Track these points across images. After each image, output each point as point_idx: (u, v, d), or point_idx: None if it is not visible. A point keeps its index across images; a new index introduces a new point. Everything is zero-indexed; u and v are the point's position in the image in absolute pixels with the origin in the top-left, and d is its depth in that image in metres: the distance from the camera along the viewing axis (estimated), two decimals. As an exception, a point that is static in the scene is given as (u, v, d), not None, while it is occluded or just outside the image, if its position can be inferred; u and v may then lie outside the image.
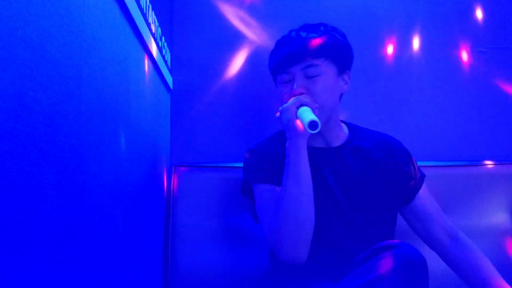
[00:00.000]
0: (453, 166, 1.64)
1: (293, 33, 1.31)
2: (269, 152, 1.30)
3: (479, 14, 1.78)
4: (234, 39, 1.70)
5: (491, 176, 1.63)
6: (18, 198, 0.50)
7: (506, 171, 1.64)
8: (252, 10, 1.71)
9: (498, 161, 1.69)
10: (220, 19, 1.70)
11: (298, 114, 1.16)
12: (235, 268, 1.50)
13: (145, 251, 1.22)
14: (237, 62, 1.70)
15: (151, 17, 1.22)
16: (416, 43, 1.75)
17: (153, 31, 1.24)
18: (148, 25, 1.16)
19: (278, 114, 1.22)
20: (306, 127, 1.10)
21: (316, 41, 1.27)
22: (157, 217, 1.43)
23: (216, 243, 1.52)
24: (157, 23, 1.31)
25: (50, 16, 0.59)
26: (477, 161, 1.70)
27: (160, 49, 1.36)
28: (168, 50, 1.56)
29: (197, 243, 1.51)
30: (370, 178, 1.29)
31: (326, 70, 1.26)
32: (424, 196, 1.33)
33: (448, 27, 1.77)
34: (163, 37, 1.43)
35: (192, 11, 1.70)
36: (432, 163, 1.62)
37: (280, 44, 1.32)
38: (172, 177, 1.56)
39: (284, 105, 1.20)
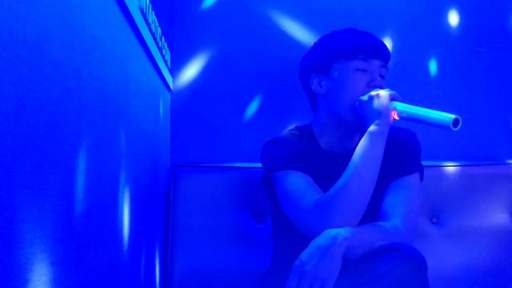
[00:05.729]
0: (453, 166, 1.64)
1: (364, 31, 1.30)
2: (290, 144, 1.28)
3: (479, 14, 1.78)
4: (234, 39, 1.70)
5: (491, 176, 1.62)
6: (18, 198, 0.50)
7: (506, 171, 1.64)
8: (252, 10, 1.71)
9: (498, 161, 1.69)
10: (220, 19, 1.70)
11: (402, 107, 1.19)
12: (235, 268, 1.50)
13: (145, 251, 1.22)
14: (237, 62, 1.70)
15: (151, 17, 1.22)
16: (415, 42, 1.75)
17: (153, 31, 1.24)
18: (148, 25, 1.16)
19: (365, 97, 1.21)
20: (450, 124, 1.09)
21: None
22: (157, 217, 1.43)
23: (216, 243, 1.52)
24: (157, 23, 1.31)
25: (50, 16, 0.59)
26: (477, 161, 1.69)
27: (160, 49, 1.36)
28: (168, 50, 1.55)
29: (197, 243, 1.51)
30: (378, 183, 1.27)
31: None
32: (397, 190, 1.22)
33: (449, 28, 1.77)
34: (163, 37, 1.43)
35: (192, 11, 1.70)
36: (432, 163, 1.62)
37: (357, 32, 1.29)
38: (172, 177, 1.56)
39: (379, 91, 1.20)
